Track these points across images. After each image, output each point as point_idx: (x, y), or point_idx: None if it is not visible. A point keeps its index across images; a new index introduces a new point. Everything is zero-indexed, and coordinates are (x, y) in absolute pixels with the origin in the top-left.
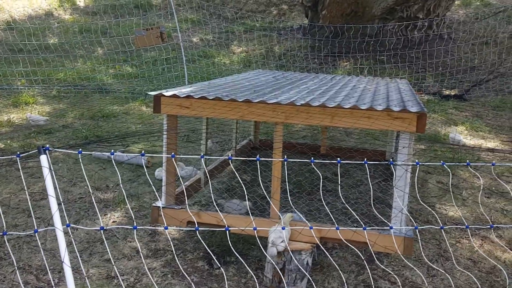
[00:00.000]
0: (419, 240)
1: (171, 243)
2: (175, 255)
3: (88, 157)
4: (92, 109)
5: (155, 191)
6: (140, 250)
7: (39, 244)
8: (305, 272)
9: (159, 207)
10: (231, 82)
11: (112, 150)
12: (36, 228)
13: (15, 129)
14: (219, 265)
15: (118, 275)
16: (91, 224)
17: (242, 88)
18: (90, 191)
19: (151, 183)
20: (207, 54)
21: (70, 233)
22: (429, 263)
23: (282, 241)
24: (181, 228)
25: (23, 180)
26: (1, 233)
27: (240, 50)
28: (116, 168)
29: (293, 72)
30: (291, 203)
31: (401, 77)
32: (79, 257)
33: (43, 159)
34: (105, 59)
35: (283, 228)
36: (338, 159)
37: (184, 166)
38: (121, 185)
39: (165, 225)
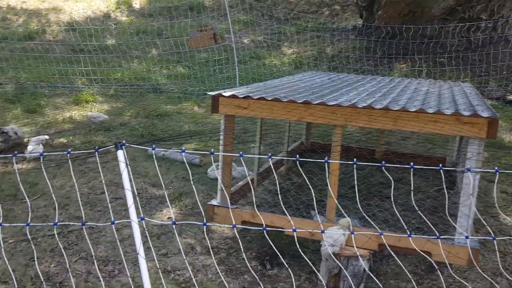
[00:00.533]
0: (497, 251)
1: (230, 241)
2: (232, 253)
3: (144, 154)
4: (147, 108)
5: (222, 187)
6: (209, 249)
7: (116, 236)
8: (369, 273)
9: (215, 205)
10: (286, 83)
11: (184, 148)
12: (113, 220)
13: (77, 126)
14: (279, 265)
15: (189, 268)
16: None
17: (299, 89)
18: (163, 185)
19: (218, 180)
20: (258, 55)
21: (144, 226)
22: (507, 275)
23: (335, 244)
24: (249, 228)
25: (101, 173)
26: (80, 224)
27: (291, 51)
28: (187, 166)
29: (347, 73)
30: (361, 207)
31: (463, 80)
32: (152, 248)
33: (120, 154)
34: (160, 60)
35: (351, 232)
36: (412, 163)
37: (236, 166)
38: (191, 181)
39: (233, 223)
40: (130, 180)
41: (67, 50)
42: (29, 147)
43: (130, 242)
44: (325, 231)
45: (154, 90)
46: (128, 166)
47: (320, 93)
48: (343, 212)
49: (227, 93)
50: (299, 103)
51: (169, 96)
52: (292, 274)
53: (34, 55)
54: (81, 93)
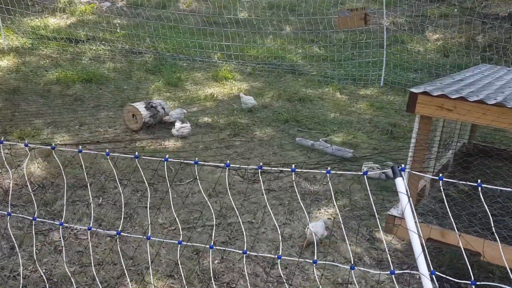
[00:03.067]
0: None
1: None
2: (405, 269)
3: (291, 142)
4: (288, 91)
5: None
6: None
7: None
8: None
9: (396, 216)
10: (477, 80)
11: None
12: None
13: (219, 104)
14: None
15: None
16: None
17: (503, 90)
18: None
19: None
20: (397, 39)
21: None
22: None
23: None
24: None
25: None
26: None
27: (436, 37)
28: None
29: None
30: None
31: None
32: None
33: (400, 183)
34: (294, 38)
35: None
36: None
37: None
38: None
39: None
40: (413, 216)
41: (200, 21)
42: (176, 125)
43: (291, 243)
44: None
45: (292, 71)
46: (411, 200)
47: None
48: None
49: (435, 91)
50: None
51: (308, 79)
52: None
53: (168, 24)
54: (219, 69)
